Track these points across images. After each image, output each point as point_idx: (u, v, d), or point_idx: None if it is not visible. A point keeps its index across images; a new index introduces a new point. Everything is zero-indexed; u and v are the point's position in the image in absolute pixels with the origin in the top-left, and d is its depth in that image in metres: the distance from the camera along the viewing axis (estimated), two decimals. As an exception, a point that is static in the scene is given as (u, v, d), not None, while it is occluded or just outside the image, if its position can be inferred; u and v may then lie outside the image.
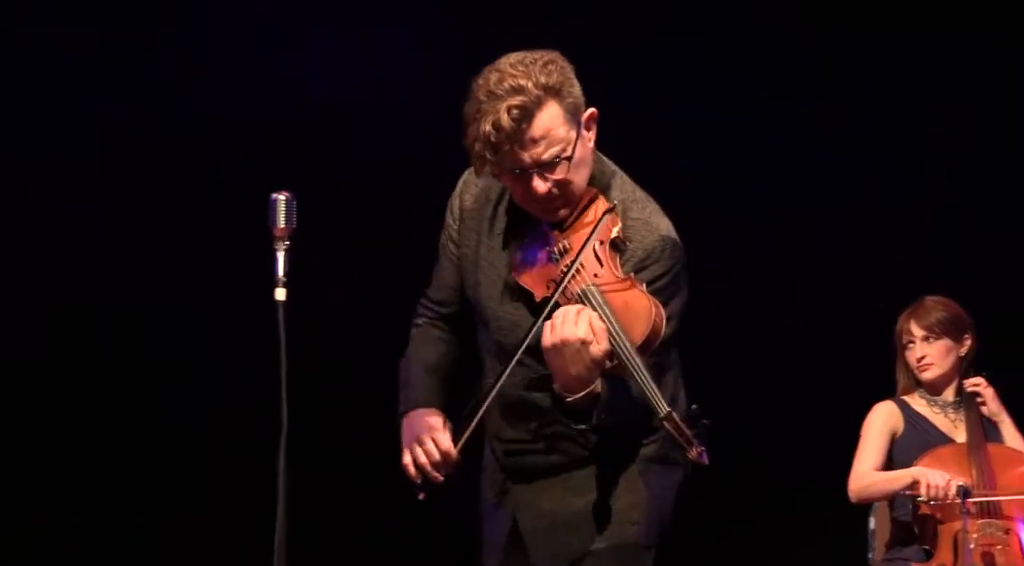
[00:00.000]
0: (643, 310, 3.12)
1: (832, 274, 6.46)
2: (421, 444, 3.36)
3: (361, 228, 6.30)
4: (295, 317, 3.37)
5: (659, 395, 3.04)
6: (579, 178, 3.25)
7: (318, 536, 5.94)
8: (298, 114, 6.25)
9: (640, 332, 3.11)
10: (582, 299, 3.14)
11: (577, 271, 3.19)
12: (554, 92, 3.16)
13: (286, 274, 3.36)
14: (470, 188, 3.48)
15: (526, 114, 3.13)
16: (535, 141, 3.16)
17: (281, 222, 3.35)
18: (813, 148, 6.34)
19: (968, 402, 5.36)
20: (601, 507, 3.36)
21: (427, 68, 6.24)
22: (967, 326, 5.38)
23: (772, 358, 6.48)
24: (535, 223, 3.33)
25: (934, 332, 5.34)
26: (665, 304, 3.21)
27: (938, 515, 5.10)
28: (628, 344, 3.08)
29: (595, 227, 3.23)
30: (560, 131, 3.17)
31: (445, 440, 3.34)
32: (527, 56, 3.20)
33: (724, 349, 6.21)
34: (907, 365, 5.42)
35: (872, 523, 5.43)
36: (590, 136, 3.28)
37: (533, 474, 3.44)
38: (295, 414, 3.33)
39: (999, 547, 5.03)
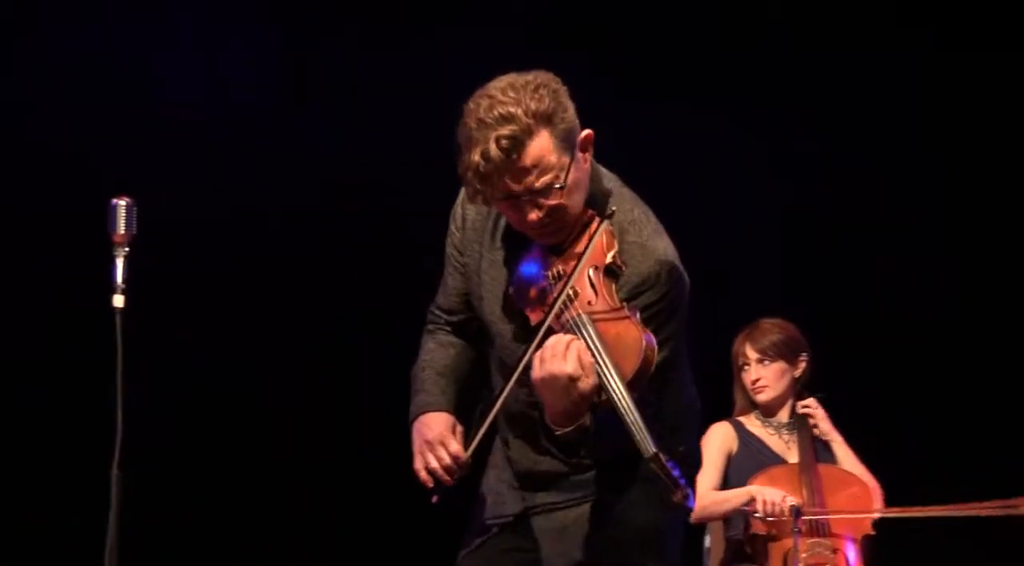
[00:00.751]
0: (634, 343, 3.05)
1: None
2: (432, 449, 3.31)
3: (209, 233, 6.26)
4: (136, 323, 3.35)
5: (647, 434, 2.95)
6: (573, 203, 3.18)
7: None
8: (142, 117, 6.19)
9: (630, 367, 3.04)
10: (574, 328, 3.08)
11: (570, 299, 3.13)
12: (545, 119, 3.09)
13: (125, 281, 3.33)
14: None
15: (516, 144, 3.06)
16: (527, 170, 3.09)
17: (121, 228, 3.32)
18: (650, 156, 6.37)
19: (801, 423, 5.43)
20: (607, 508, 3.34)
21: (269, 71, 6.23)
22: (802, 348, 5.45)
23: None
24: (529, 241, 3.28)
25: (768, 355, 5.41)
26: (659, 329, 3.15)
27: (770, 533, 5.16)
28: (617, 378, 3.01)
29: (586, 252, 3.15)
30: (552, 158, 3.10)
31: (455, 445, 3.30)
32: (518, 80, 3.12)
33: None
34: (743, 386, 5.48)
35: (707, 541, 5.48)
36: (585, 157, 3.20)
37: (543, 479, 3.40)
38: (131, 421, 3.31)
39: (827, 566, 5.12)
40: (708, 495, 5.29)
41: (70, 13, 6.20)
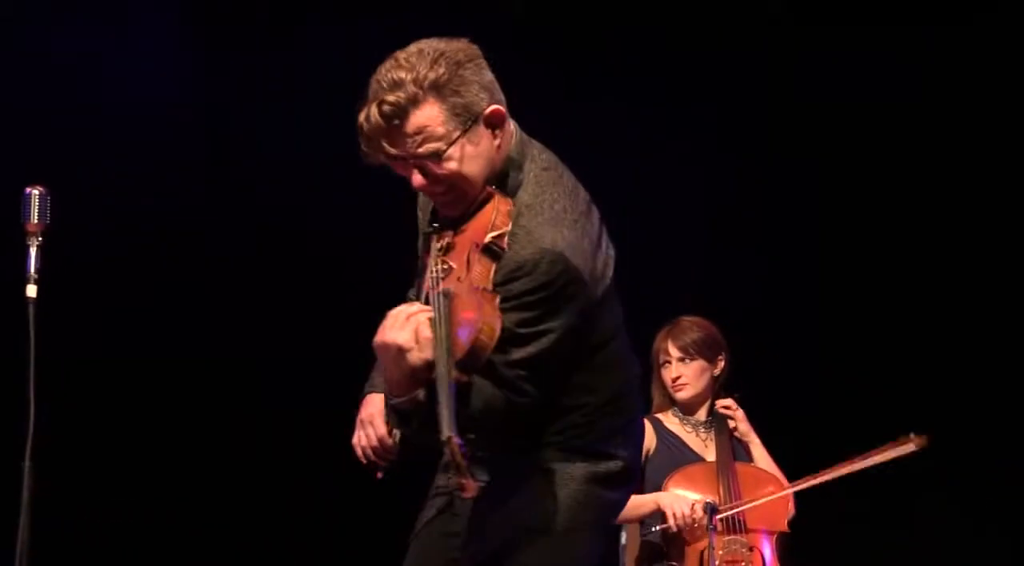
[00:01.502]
0: (471, 324, 3.01)
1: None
2: (363, 427, 3.37)
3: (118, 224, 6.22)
4: (47, 314, 3.31)
5: (451, 417, 2.91)
6: (464, 176, 3.16)
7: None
8: (60, 107, 6.14)
9: (462, 348, 3.00)
10: (434, 303, 3.06)
11: (444, 273, 3.13)
12: (436, 89, 3.09)
13: (38, 270, 3.30)
14: None
15: (398, 111, 3.07)
16: (407, 136, 3.10)
17: (34, 217, 3.29)
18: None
19: (719, 422, 5.45)
20: (514, 493, 3.31)
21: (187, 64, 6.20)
22: (722, 348, 5.47)
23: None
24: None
25: (689, 353, 5.43)
26: (537, 320, 3.12)
27: (685, 534, 5.18)
28: (447, 355, 2.97)
29: (467, 227, 3.16)
30: (438, 129, 3.10)
31: (381, 428, 3.31)
32: (427, 47, 3.12)
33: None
34: (663, 383, 5.50)
35: (623, 539, 5.48)
36: (495, 133, 3.19)
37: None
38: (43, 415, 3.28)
39: (743, 564, 5.13)
40: None
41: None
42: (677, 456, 5.39)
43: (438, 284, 3.09)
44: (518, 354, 3.11)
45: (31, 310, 3.29)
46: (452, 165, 3.13)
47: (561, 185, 3.25)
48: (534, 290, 3.11)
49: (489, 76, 3.17)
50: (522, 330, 3.10)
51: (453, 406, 2.93)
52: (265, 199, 6.44)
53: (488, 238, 3.11)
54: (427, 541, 3.45)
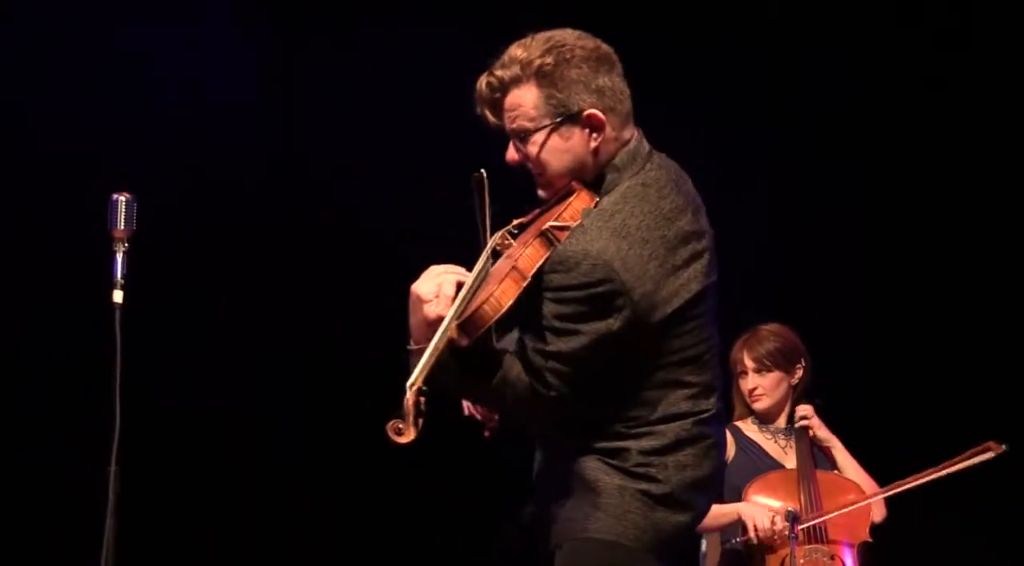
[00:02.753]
0: (485, 293, 3.11)
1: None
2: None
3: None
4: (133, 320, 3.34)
5: (424, 368, 3.02)
6: (546, 165, 3.30)
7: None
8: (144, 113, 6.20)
9: (471, 306, 3.10)
10: (481, 262, 3.22)
11: (505, 243, 3.26)
12: (539, 76, 3.24)
13: (124, 276, 3.33)
14: None
15: (500, 86, 3.27)
16: (503, 110, 3.29)
17: (121, 224, 3.32)
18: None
19: (799, 430, 5.42)
20: (556, 504, 3.33)
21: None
22: (799, 356, 5.44)
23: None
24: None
25: (765, 364, 5.40)
26: (573, 318, 3.17)
27: (765, 543, 5.16)
28: (455, 313, 3.10)
29: (540, 215, 3.28)
30: (530, 111, 3.27)
31: None
32: (558, 35, 3.29)
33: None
34: (740, 393, 5.48)
35: (704, 546, 5.46)
36: (585, 134, 3.28)
37: None
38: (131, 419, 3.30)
39: (825, 572, 5.11)
40: None
41: (60, 6, 6.21)
42: (757, 463, 5.37)
43: (490, 248, 3.24)
44: (551, 346, 3.18)
45: (117, 315, 3.32)
46: (533, 149, 3.28)
47: (649, 203, 3.28)
48: (570, 287, 3.18)
49: (605, 82, 3.27)
50: (557, 324, 3.17)
51: (433, 359, 3.04)
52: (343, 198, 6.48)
53: (548, 226, 3.20)
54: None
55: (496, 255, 3.25)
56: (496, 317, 3.11)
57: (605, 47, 3.30)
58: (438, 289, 3.16)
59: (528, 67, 3.24)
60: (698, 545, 5.46)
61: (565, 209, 3.24)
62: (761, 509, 5.16)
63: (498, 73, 3.27)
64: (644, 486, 3.26)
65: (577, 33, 3.29)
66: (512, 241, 3.27)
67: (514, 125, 3.28)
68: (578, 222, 3.22)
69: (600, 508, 3.25)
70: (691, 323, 3.27)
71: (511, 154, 3.32)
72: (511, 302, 3.11)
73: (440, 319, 3.11)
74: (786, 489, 5.24)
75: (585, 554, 3.27)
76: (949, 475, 5.15)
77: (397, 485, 6.29)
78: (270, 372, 6.39)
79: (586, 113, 3.26)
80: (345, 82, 6.50)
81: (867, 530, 5.21)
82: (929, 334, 6.62)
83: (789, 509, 5.09)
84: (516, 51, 3.27)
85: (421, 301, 3.17)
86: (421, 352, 3.10)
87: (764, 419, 5.45)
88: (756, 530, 5.11)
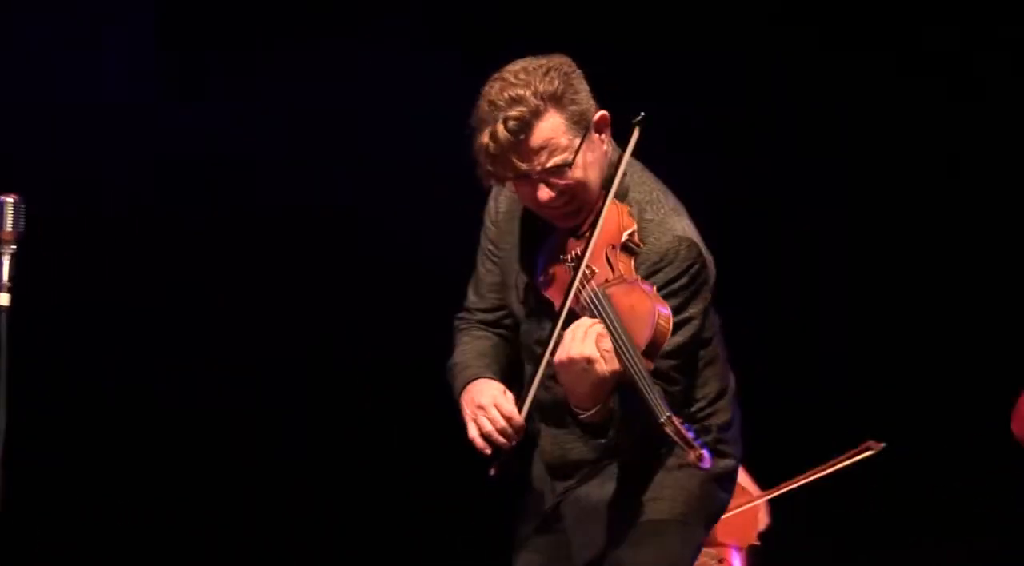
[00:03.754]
0: (646, 313, 3.10)
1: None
2: (485, 412, 3.31)
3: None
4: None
5: (660, 400, 3.00)
6: (588, 184, 3.26)
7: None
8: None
9: (644, 337, 3.08)
10: (591, 305, 3.15)
11: (586, 278, 3.19)
12: (555, 100, 3.18)
13: (11, 279, 3.30)
14: (504, 191, 3.46)
15: (524, 125, 3.16)
16: (536, 151, 3.18)
17: (8, 226, 3.29)
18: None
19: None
20: (632, 490, 3.36)
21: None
22: None
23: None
24: (553, 228, 3.34)
25: None
26: (683, 307, 3.23)
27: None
28: (632, 348, 3.05)
29: (599, 231, 3.22)
30: (562, 140, 3.19)
31: (508, 404, 3.31)
32: (531, 63, 3.22)
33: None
34: None
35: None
36: (602, 138, 3.29)
37: (572, 467, 3.44)
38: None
39: (713, 576, 5.14)
40: None
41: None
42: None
43: (584, 290, 3.17)
44: (670, 344, 3.18)
45: (3, 318, 3.29)
46: (578, 174, 3.22)
47: (657, 181, 3.39)
48: (678, 277, 3.23)
49: (586, 83, 3.28)
50: (674, 318, 3.17)
51: (655, 390, 3.01)
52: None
53: (624, 237, 3.22)
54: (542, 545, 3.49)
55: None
56: (671, 327, 3.12)
57: (565, 55, 3.30)
58: (596, 345, 3.07)
59: (542, 96, 3.17)
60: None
61: (621, 217, 3.24)
62: None
63: (514, 113, 3.16)
64: (721, 465, 3.35)
65: (534, 56, 3.26)
66: (592, 268, 3.21)
67: (551, 162, 3.19)
68: (635, 224, 3.25)
69: (687, 492, 3.35)
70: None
71: (544, 195, 3.23)
72: (668, 308, 3.14)
73: (613, 374, 3.07)
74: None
75: (680, 539, 3.37)
76: (828, 475, 5.21)
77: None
78: (157, 372, 6.35)
79: (597, 117, 3.27)
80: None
81: (755, 534, 5.25)
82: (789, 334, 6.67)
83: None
84: (514, 91, 3.17)
85: (591, 362, 3.06)
86: (605, 413, 3.11)
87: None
88: None
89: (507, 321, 3.53)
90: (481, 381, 3.41)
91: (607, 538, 3.37)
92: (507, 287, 3.48)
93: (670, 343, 3.16)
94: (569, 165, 3.19)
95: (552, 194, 3.22)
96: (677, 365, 3.24)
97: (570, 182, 3.21)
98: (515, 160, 3.18)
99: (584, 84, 3.26)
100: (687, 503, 3.38)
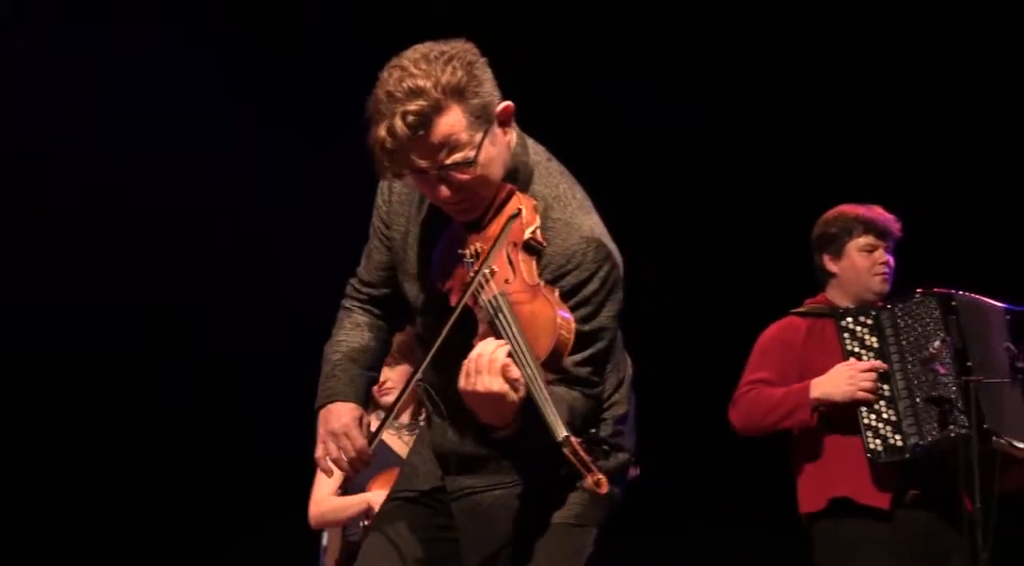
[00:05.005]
0: (548, 322, 2.98)
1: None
2: (336, 439, 3.28)
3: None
4: None
5: (558, 418, 2.91)
6: (488, 179, 3.08)
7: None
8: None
9: (544, 347, 2.97)
10: (490, 310, 3.00)
11: (486, 278, 3.04)
12: (457, 93, 2.99)
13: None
14: None
15: (424, 121, 2.97)
16: (436, 148, 3.00)
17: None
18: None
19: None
20: (527, 494, 3.30)
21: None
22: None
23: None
24: (451, 217, 3.18)
25: (395, 357, 5.45)
26: (595, 314, 3.11)
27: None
28: (531, 359, 2.95)
29: (504, 230, 3.07)
30: (463, 136, 3.01)
31: (360, 439, 3.27)
32: (432, 50, 3.01)
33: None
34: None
35: (324, 540, 5.54)
36: (504, 131, 3.11)
37: (466, 461, 3.35)
38: None
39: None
40: (327, 501, 5.38)
41: None
42: (380, 460, 5.39)
43: (482, 290, 3.03)
44: (587, 352, 3.11)
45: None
46: (479, 170, 3.05)
47: (565, 174, 3.24)
48: (586, 281, 3.10)
49: (490, 72, 3.09)
50: (586, 327, 3.09)
51: (552, 406, 2.92)
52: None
53: (527, 234, 3.06)
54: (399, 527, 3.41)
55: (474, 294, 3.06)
56: (573, 337, 3.00)
57: (469, 42, 3.10)
58: (504, 378, 2.94)
59: (444, 88, 2.97)
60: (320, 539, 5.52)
61: (527, 213, 3.09)
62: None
63: (413, 107, 2.95)
64: (615, 460, 3.25)
65: (437, 41, 3.06)
66: (491, 267, 3.06)
67: (451, 159, 3.01)
68: (538, 221, 3.09)
69: (582, 495, 3.26)
70: None
71: (444, 193, 3.05)
72: (572, 315, 3.03)
73: (522, 401, 2.96)
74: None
75: (576, 540, 3.30)
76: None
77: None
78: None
79: (500, 109, 3.09)
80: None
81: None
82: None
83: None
84: (414, 82, 2.96)
85: (502, 397, 2.95)
86: (517, 430, 3.02)
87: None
88: None
89: (393, 303, 3.44)
90: (338, 405, 3.34)
91: (499, 541, 3.31)
92: (400, 271, 3.34)
93: (586, 351, 3.10)
94: (470, 162, 3.02)
95: (451, 191, 3.06)
96: (595, 369, 3.16)
97: (470, 178, 3.04)
98: (413, 156, 3.00)
99: (488, 73, 3.07)
100: (581, 504, 3.31)
